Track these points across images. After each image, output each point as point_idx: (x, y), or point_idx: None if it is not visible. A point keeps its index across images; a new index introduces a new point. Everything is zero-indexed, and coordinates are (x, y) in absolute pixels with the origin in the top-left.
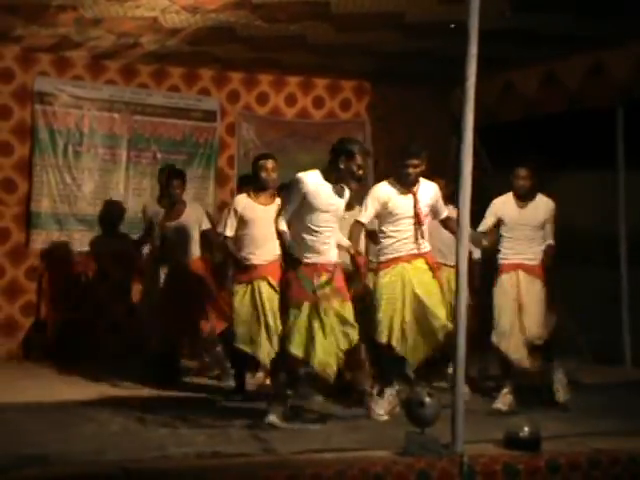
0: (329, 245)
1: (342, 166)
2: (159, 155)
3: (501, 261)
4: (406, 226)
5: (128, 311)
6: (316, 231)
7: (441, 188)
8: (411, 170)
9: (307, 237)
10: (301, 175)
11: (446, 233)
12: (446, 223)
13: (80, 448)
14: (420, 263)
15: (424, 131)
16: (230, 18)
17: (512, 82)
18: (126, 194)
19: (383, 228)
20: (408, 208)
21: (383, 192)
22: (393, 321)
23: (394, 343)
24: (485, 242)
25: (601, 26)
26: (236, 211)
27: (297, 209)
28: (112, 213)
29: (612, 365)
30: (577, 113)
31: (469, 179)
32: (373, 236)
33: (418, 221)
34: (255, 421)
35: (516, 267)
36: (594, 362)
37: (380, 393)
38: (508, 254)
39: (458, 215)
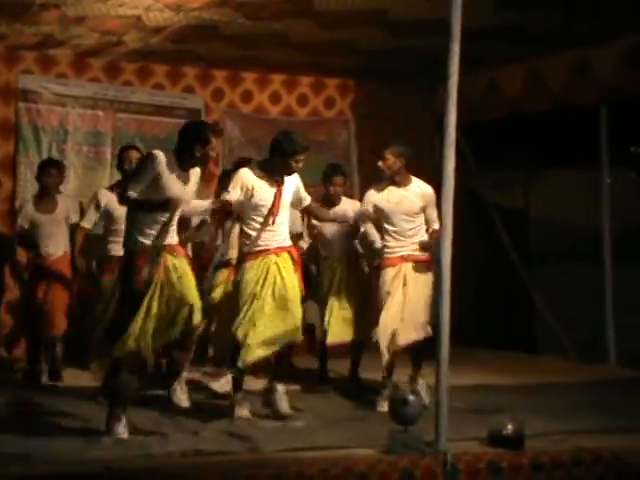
0: None
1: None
2: (143, 153)
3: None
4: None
5: None
6: None
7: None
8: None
9: None
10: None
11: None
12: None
13: (63, 447)
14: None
15: (408, 129)
16: (214, 16)
17: (496, 80)
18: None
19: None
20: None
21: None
22: None
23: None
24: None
25: (585, 24)
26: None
27: None
28: None
29: (596, 363)
30: (561, 111)
31: (452, 177)
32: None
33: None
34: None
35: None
36: (578, 360)
37: None
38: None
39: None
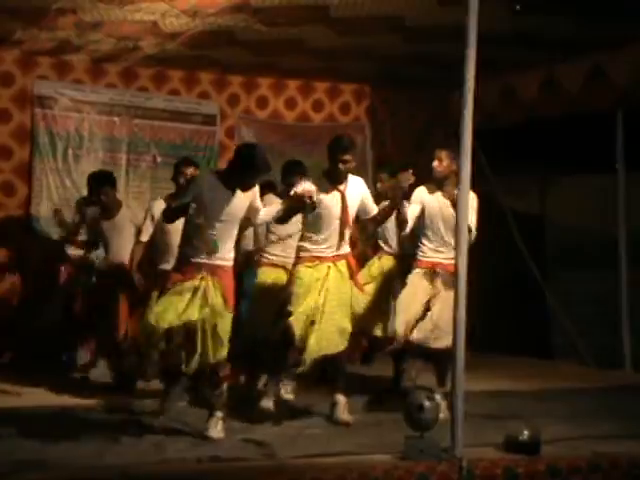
0: None
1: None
2: (159, 159)
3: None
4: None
5: None
6: None
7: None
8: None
9: None
10: None
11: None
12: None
13: (78, 453)
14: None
15: (424, 135)
16: (229, 22)
17: (512, 86)
18: (126, 197)
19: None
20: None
21: None
22: None
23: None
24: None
25: (601, 29)
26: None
27: None
28: None
29: (612, 368)
30: (577, 117)
31: (468, 183)
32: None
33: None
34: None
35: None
36: (594, 365)
37: None
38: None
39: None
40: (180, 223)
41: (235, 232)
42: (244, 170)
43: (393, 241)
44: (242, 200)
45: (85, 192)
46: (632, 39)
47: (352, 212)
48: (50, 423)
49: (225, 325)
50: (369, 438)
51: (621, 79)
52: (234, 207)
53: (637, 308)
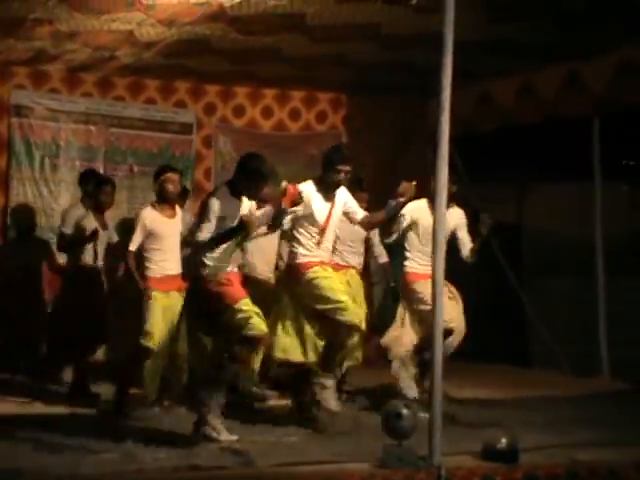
0: None
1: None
2: (135, 168)
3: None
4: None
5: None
6: None
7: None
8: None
9: None
10: None
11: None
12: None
13: (54, 462)
14: None
15: (400, 143)
16: (206, 31)
17: (488, 93)
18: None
19: None
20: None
21: None
22: None
23: None
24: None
25: (577, 37)
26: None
27: None
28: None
29: (590, 376)
30: (554, 124)
31: (445, 190)
32: None
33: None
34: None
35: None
36: (572, 373)
37: None
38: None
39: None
40: None
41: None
42: (251, 179)
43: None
44: (246, 208)
45: (62, 202)
46: (608, 47)
47: (336, 220)
48: (25, 432)
49: None
50: (347, 446)
51: (598, 87)
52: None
53: (614, 315)
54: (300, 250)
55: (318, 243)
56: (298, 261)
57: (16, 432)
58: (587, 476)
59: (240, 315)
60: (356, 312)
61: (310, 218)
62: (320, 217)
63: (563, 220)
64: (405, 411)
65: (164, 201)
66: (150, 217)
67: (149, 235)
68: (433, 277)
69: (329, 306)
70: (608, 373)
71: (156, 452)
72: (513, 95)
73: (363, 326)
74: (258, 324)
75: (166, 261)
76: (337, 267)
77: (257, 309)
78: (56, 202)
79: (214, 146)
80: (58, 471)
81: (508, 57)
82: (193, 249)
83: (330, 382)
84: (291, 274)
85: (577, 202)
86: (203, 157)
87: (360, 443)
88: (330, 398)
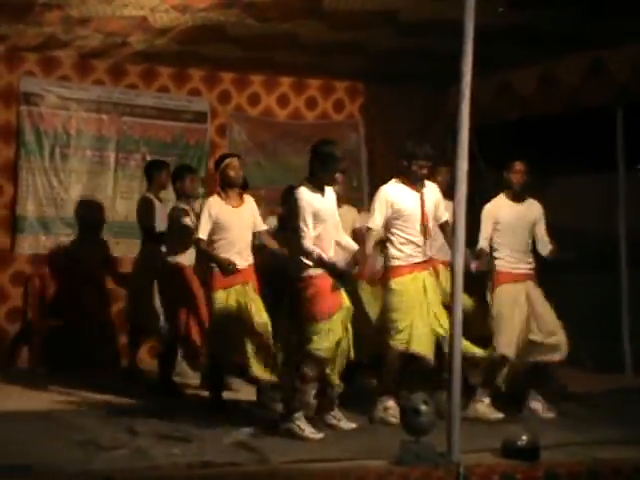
0: None
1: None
2: (148, 157)
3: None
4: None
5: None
6: None
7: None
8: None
9: None
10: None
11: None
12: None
13: (66, 458)
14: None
15: (418, 132)
16: (220, 17)
17: (509, 81)
18: (114, 197)
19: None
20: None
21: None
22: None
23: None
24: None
25: (600, 25)
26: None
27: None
28: (95, 216)
29: (612, 373)
30: (575, 113)
31: (464, 180)
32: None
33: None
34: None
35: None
36: (594, 370)
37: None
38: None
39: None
40: None
41: None
42: (325, 163)
43: None
44: (331, 196)
45: (73, 192)
46: (632, 35)
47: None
48: (36, 427)
49: None
50: (364, 443)
51: (620, 75)
52: (331, 205)
53: (637, 311)
54: (392, 252)
55: (422, 241)
56: (390, 264)
57: (26, 427)
58: (610, 475)
59: (317, 335)
60: (421, 339)
61: (405, 217)
62: (415, 214)
63: (585, 212)
64: (423, 407)
65: (229, 188)
66: (216, 206)
67: (214, 225)
68: (453, 271)
69: (386, 324)
70: (631, 369)
71: (169, 448)
72: (534, 84)
73: (429, 355)
74: (327, 348)
75: (233, 254)
76: (444, 264)
77: (341, 332)
78: (66, 193)
79: (228, 135)
80: (68, 467)
81: (529, 45)
82: (295, 251)
83: None
84: (384, 275)
85: (600, 194)
86: (217, 146)
87: (377, 440)
88: None
